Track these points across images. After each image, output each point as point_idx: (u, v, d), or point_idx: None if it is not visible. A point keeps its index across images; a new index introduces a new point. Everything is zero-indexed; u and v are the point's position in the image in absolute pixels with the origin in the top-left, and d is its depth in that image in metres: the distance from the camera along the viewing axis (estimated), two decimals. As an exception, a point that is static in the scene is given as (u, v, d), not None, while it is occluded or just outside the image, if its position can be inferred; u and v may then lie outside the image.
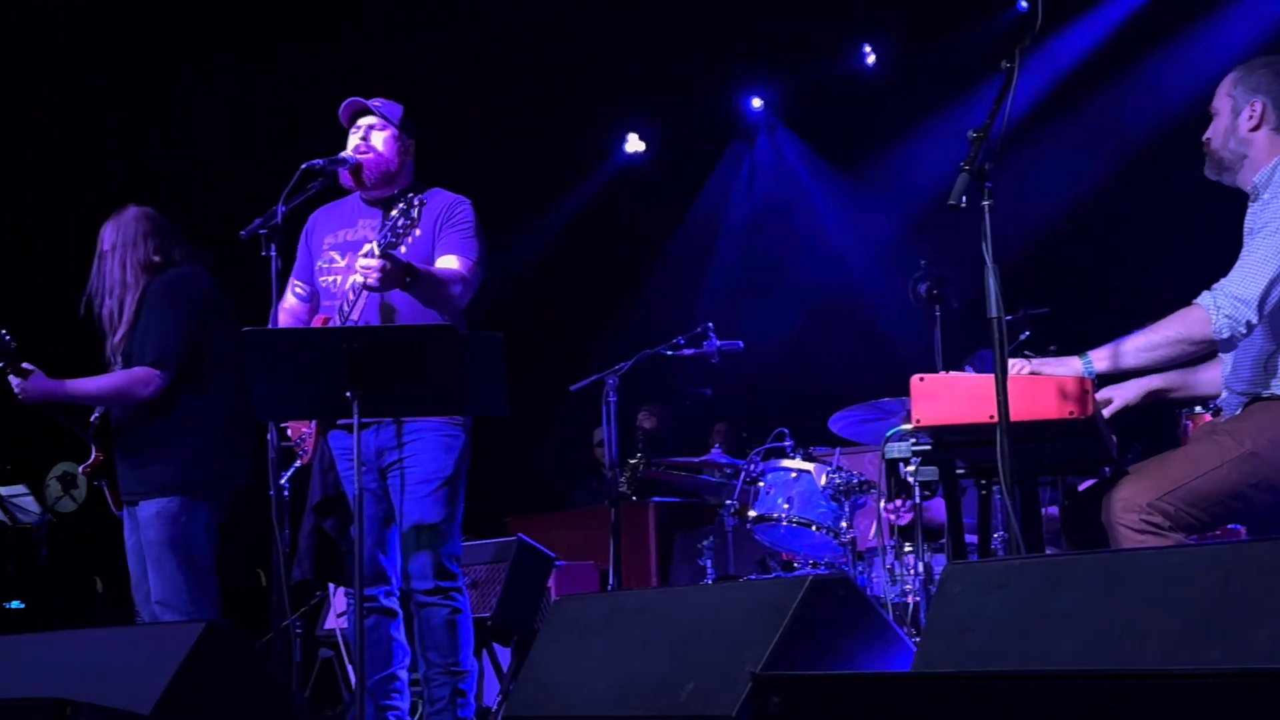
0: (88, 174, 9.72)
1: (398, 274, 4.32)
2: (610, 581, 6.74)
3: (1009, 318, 3.47)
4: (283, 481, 4.73)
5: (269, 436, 4.64)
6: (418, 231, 4.38)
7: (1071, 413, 3.63)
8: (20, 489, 8.41)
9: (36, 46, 9.43)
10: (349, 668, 6.45)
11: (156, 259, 5.03)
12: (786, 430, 6.65)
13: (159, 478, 4.92)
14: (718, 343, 6.72)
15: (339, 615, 6.98)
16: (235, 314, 5.15)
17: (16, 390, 4.86)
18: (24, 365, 4.81)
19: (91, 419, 5.15)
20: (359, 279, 4.34)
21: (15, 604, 8.98)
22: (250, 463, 5.17)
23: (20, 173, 9.99)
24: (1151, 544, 3.45)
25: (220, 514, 5.06)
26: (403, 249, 4.37)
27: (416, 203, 4.32)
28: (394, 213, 4.33)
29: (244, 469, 5.12)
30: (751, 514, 6.39)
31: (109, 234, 5.08)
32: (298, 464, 4.93)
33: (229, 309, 5.13)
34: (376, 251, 4.28)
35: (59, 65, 9.55)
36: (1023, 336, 5.76)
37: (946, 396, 3.70)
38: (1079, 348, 3.86)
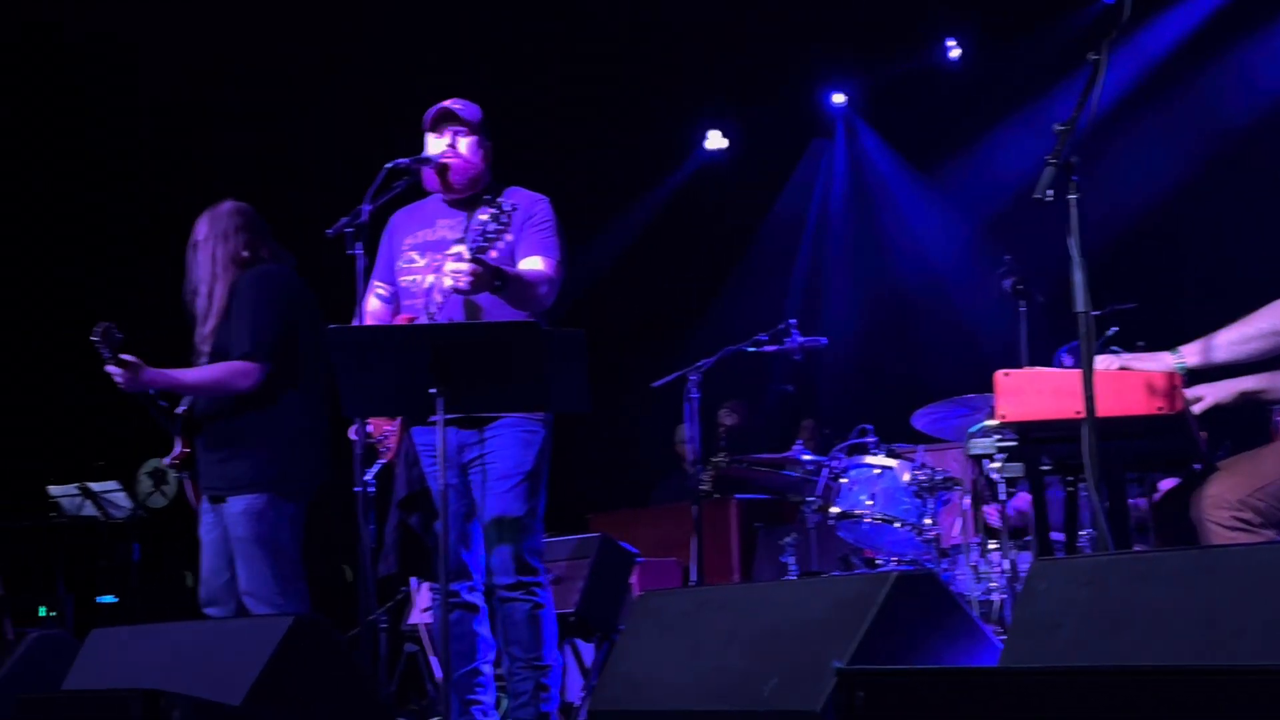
0: (181, 169, 9.89)
1: (487, 278, 4.34)
2: (692, 578, 6.74)
3: (1096, 313, 3.41)
4: (368, 478, 4.76)
5: (353, 433, 4.69)
6: (509, 236, 4.40)
7: (1160, 408, 3.58)
8: (113, 485, 8.56)
9: (137, 45, 9.59)
10: (434, 662, 6.50)
11: (245, 254, 5.07)
12: (870, 426, 6.62)
13: (247, 474, 4.95)
14: (800, 339, 6.70)
15: (424, 610, 7.03)
16: (320, 313, 5.17)
17: (119, 380, 4.89)
18: (125, 357, 4.88)
19: (178, 410, 5.19)
20: (449, 282, 4.36)
21: (108, 598, 9.14)
22: (329, 458, 5.23)
23: (116, 169, 10.19)
24: (1242, 541, 3.40)
25: (305, 508, 5.11)
26: (493, 253, 4.39)
27: (508, 208, 4.32)
28: (484, 216, 4.33)
29: (326, 465, 5.17)
30: (834, 510, 6.36)
31: (203, 226, 5.13)
32: (381, 461, 4.98)
33: (315, 308, 5.17)
34: (466, 255, 4.30)
35: (157, 63, 9.71)
36: (1110, 332, 5.69)
37: (1031, 392, 3.67)
38: (1167, 343, 3.81)
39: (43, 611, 8.87)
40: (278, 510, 4.95)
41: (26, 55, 9.72)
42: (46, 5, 9.36)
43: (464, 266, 4.28)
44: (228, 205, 5.16)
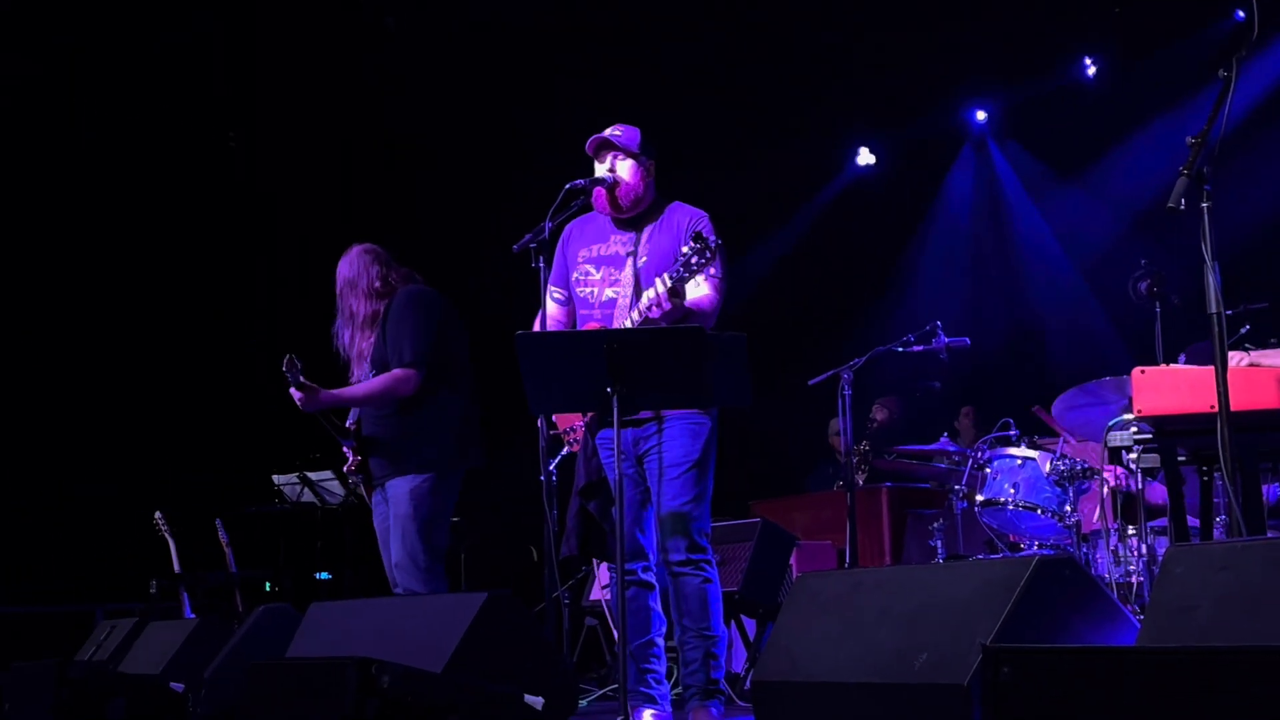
0: (390, 199, 10.14)
1: (677, 314, 4.38)
2: (847, 559, 6.70)
3: (1229, 312, 3.33)
4: (551, 468, 4.83)
5: (539, 426, 4.75)
6: (688, 251, 4.39)
7: (1291, 403, 3.48)
8: (327, 474, 8.75)
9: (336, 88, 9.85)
10: (614, 634, 6.56)
11: (378, 285, 5.32)
12: (1011, 420, 6.54)
13: (413, 458, 5.16)
14: (945, 339, 6.64)
15: (603, 587, 7.10)
16: (461, 318, 5.44)
17: (299, 402, 5.17)
18: (304, 381, 5.11)
19: (348, 423, 5.39)
20: (644, 303, 4.40)
21: (324, 575, 9.37)
22: (482, 448, 5.39)
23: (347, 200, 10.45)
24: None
25: (457, 492, 5.30)
26: (667, 281, 4.39)
27: (714, 244, 4.32)
28: (685, 249, 4.32)
29: (478, 454, 5.35)
30: (979, 498, 6.31)
31: (344, 269, 5.42)
32: (564, 452, 5.04)
33: (456, 314, 5.40)
34: (668, 282, 4.32)
35: (352, 97, 9.97)
36: (1243, 330, 5.51)
37: (1168, 388, 3.60)
38: (1299, 341, 3.70)
39: (268, 586, 9.14)
40: (435, 491, 5.17)
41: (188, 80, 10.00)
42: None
43: (657, 293, 4.33)
44: (356, 249, 5.44)
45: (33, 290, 9.85)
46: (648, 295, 4.41)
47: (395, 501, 5.18)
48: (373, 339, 5.30)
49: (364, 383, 5.24)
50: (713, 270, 4.58)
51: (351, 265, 5.38)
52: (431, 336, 5.20)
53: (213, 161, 10.41)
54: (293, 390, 5.15)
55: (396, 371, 5.17)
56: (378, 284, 5.33)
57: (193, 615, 8.05)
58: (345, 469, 5.41)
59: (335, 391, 5.22)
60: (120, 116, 9.67)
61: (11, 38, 8.88)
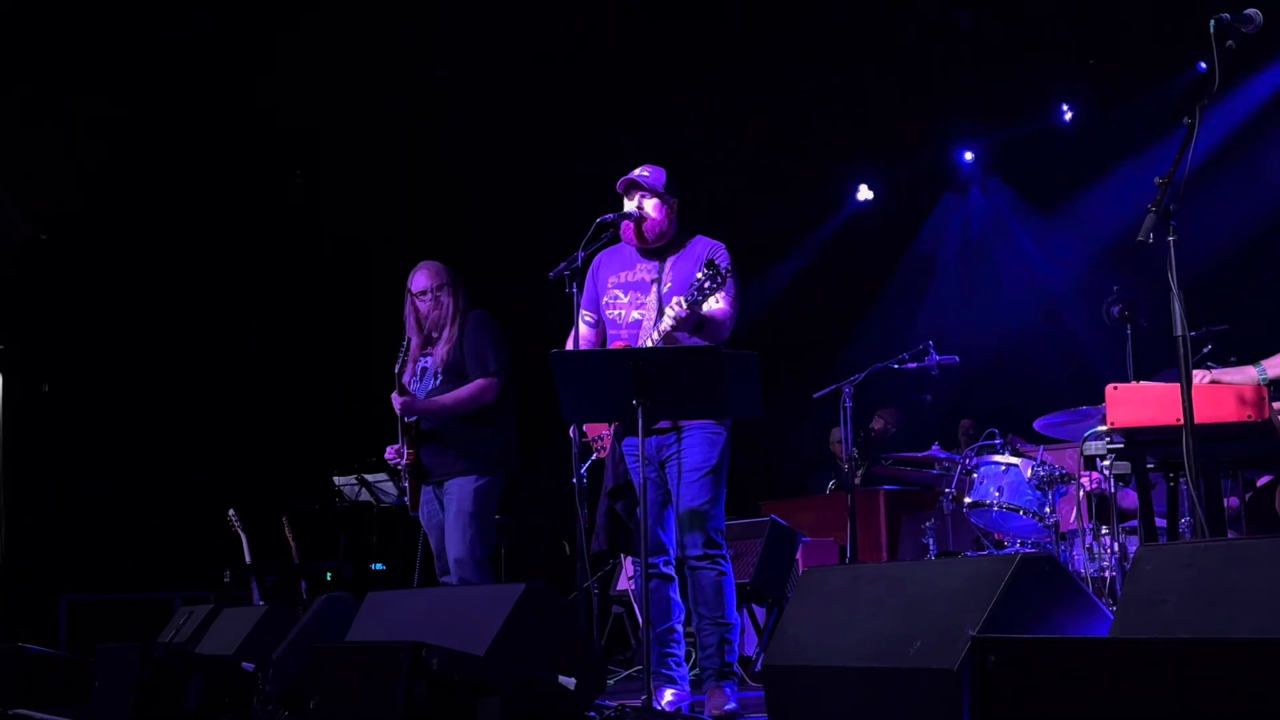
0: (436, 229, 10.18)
1: (693, 321, 4.42)
2: (848, 555, 6.68)
3: (1193, 334, 3.32)
4: (582, 472, 4.83)
5: (571, 435, 4.75)
6: (701, 277, 4.39)
7: (1249, 416, 3.47)
8: (382, 476, 8.76)
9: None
10: (639, 621, 6.56)
11: (458, 301, 5.33)
12: (996, 430, 6.51)
13: (478, 460, 5.18)
14: (937, 358, 6.63)
15: (628, 579, 7.09)
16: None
17: (399, 406, 5.17)
18: (404, 386, 5.20)
19: (408, 420, 5.32)
20: (668, 323, 4.43)
21: (377, 567, 9.38)
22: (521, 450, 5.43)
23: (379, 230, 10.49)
24: (1324, 530, 3.26)
25: (500, 491, 5.32)
26: (684, 303, 4.41)
27: (725, 270, 4.35)
28: (700, 275, 4.35)
29: (516, 459, 5.38)
30: (967, 500, 6.28)
31: (426, 279, 5.37)
32: (593, 458, 5.04)
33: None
34: (685, 303, 4.36)
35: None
36: (1205, 350, 5.49)
37: (1138, 402, 3.58)
38: (1255, 358, 3.68)
39: (328, 577, 9.16)
40: (491, 489, 5.20)
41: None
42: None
43: (674, 314, 4.39)
44: (437, 263, 5.40)
45: (135, 313, 9.95)
46: (667, 315, 4.44)
47: (459, 499, 5.16)
48: (442, 350, 5.26)
49: (455, 391, 5.20)
50: (728, 290, 4.60)
51: (431, 279, 5.34)
52: (506, 352, 5.24)
53: (280, 194, 10.48)
54: (394, 396, 5.15)
55: (481, 381, 5.18)
56: (458, 300, 5.32)
57: (261, 602, 8.07)
58: (401, 465, 5.34)
59: (429, 400, 5.20)
60: (202, 155, 9.76)
61: (109, 84, 8.96)
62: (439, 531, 5.27)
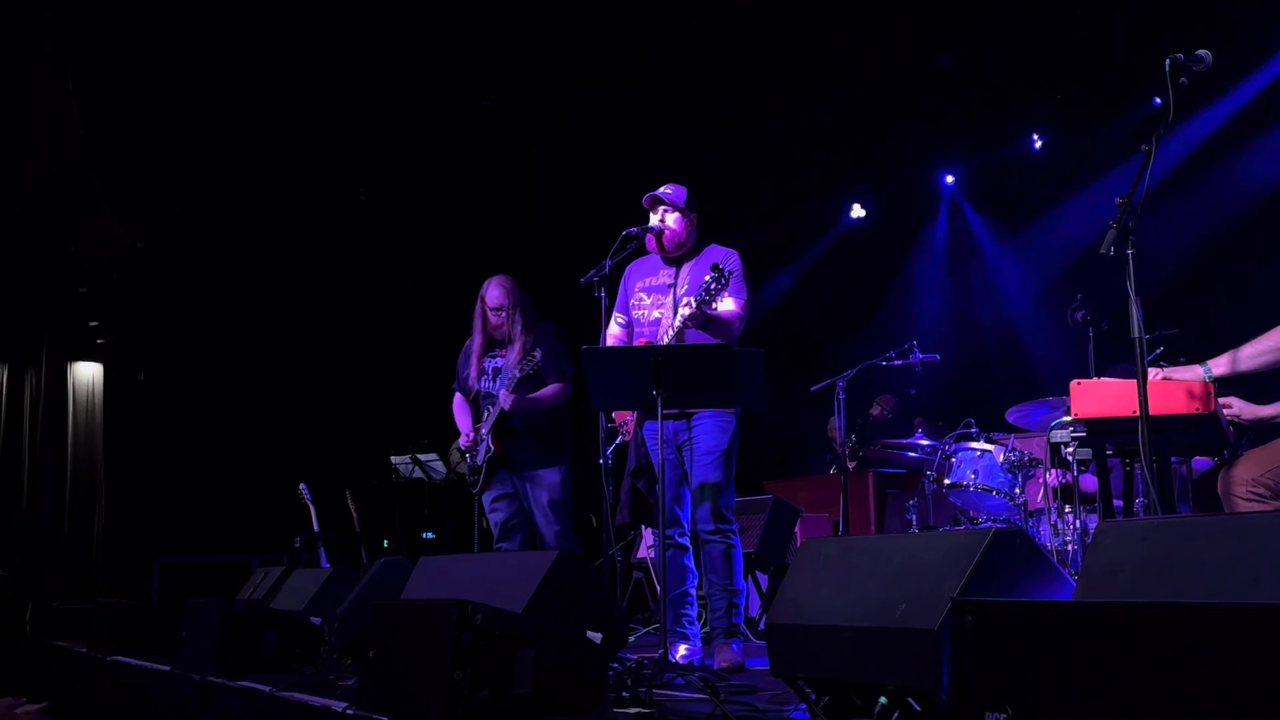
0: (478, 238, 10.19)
1: (700, 318, 4.40)
2: (840, 529, 6.66)
3: (1148, 336, 3.29)
4: (608, 453, 4.84)
5: (600, 421, 4.76)
6: (709, 280, 4.40)
7: (1197, 409, 3.44)
8: (433, 456, 8.80)
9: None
10: (656, 585, 6.56)
11: (529, 313, 5.36)
12: (973, 420, 6.49)
13: (558, 453, 5.26)
14: (920, 355, 6.61)
15: (648, 548, 7.09)
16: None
17: (506, 404, 5.19)
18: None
19: (493, 417, 5.38)
20: (679, 321, 4.42)
21: (428, 535, 9.42)
22: None
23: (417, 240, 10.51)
24: (1257, 509, 3.24)
25: None
26: (693, 303, 4.41)
27: (728, 272, 4.35)
28: (707, 277, 4.35)
29: None
30: (946, 482, 6.26)
31: (501, 292, 5.36)
32: (618, 440, 5.05)
33: None
34: (694, 303, 4.36)
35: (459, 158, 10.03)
36: (1157, 351, 5.45)
37: (1099, 396, 3.56)
38: (1202, 358, 3.65)
39: (385, 544, 9.21)
40: (568, 476, 5.29)
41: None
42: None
43: (686, 313, 4.39)
44: (510, 280, 5.39)
45: (220, 311, 10.01)
46: (680, 314, 4.44)
47: (547, 488, 5.24)
48: (514, 357, 5.28)
49: (542, 392, 5.26)
50: (738, 292, 4.60)
51: (509, 293, 5.35)
52: (572, 358, 5.28)
53: (347, 210, 10.53)
54: (503, 393, 5.19)
55: (559, 385, 5.27)
56: (526, 314, 5.35)
57: (328, 565, 8.12)
58: (480, 454, 5.37)
59: (531, 398, 5.25)
60: (278, 169, 9.82)
61: (198, 108, 9.02)
62: (508, 509, 5.31)
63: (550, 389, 5.23)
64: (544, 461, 5.27)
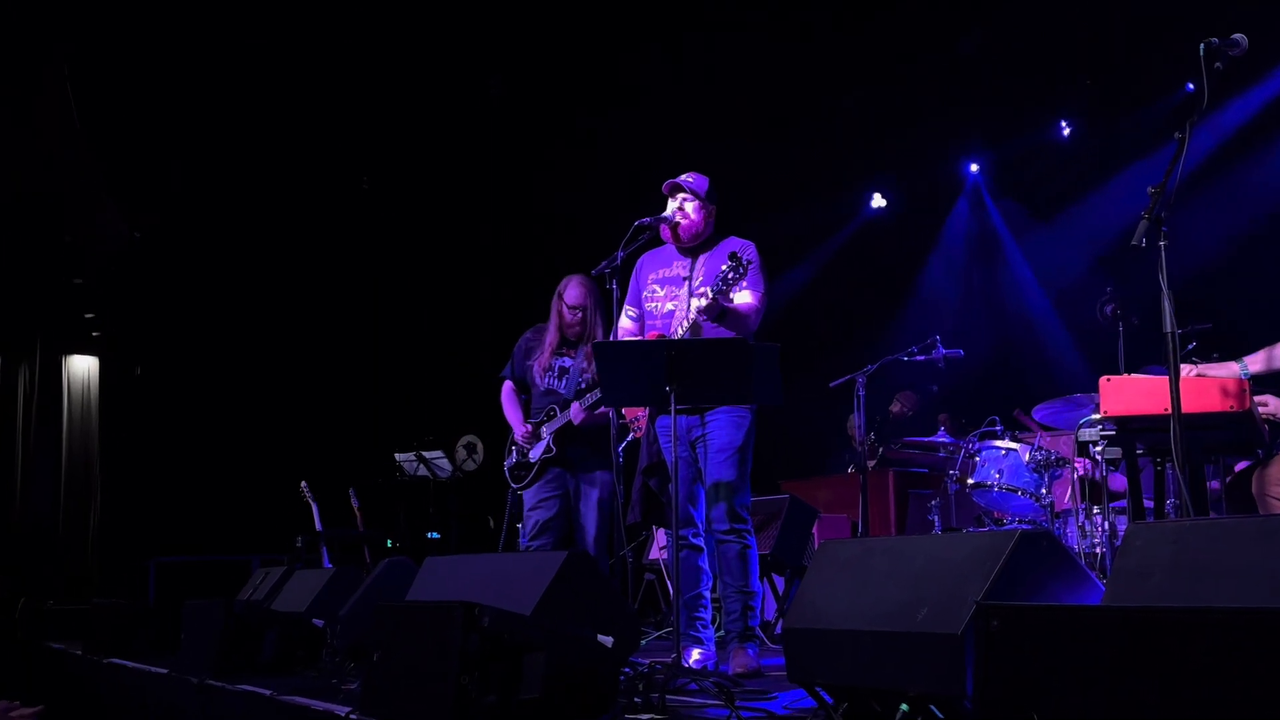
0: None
1: (718, 310, 4.39)
2: (860, 530, 6.66)
3: (1180, 332, 3.28)
4: (619, 450, 4.84)
5: (610, 416, 4.76)
6: (726, 269, 4.39)
7: (1231, 406, 3.43)
8: (438, 453, 8.82)
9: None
10: (669, 586, 6.57)
11: (603, 318, 5.37)
12: (997, 418, 6.47)
13: (609, 456, 5.24)
14: (943, 350, 6.59)
15: (660, 549, 7.09)
16: None
17: (577, 419, 5.27)
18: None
19: (558, 423, 5.43)
20: (693, 313, 4.41)
21: (433, 535, 9.44)
22: None
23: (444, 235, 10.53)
24: (1296, 511, 3.23)
25: None
26: (709, 294, 4.40)
27: (745, 261, 4.33)
28: (724, 267, 4.34)
29: None
30: (970, 481, 6.24)
31: (581, 293, 5.38)
32: (629, 437, 5.05)
33: None
34: (710, 294, 4.34)
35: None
36: (1190, 346, 5.43)
37: (1129, 393, 3.55)
38: (1237, 355, 3.64)
39: (389, 543, 9.24)
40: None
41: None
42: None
43: (701, 304, 4.37)
44: (590, 281, 5.37)
45: (219, 304, 10.05)
46: (695, 305, 4.43)
47: (600, 485, 5.30)
48: (584, 362, 5.34)
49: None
50: (755, 285, 4.58)
51: (584, 296, 5.37)
52: None
53: (350, 200, 10.55)
54: (575, 406, 5.26)
55: None
56: (603, 319, 5.36)
57: (330, 565, 8.14)
58: (537, 456, 5.42)
59: (599, 411, 5.27)
60: (278, 162, 9.84)
61: (195, 101, 9.05)
62: (552, 509, 5.36)
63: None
64: (600, 463, 5.36)
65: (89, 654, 5.96)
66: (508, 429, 5.60)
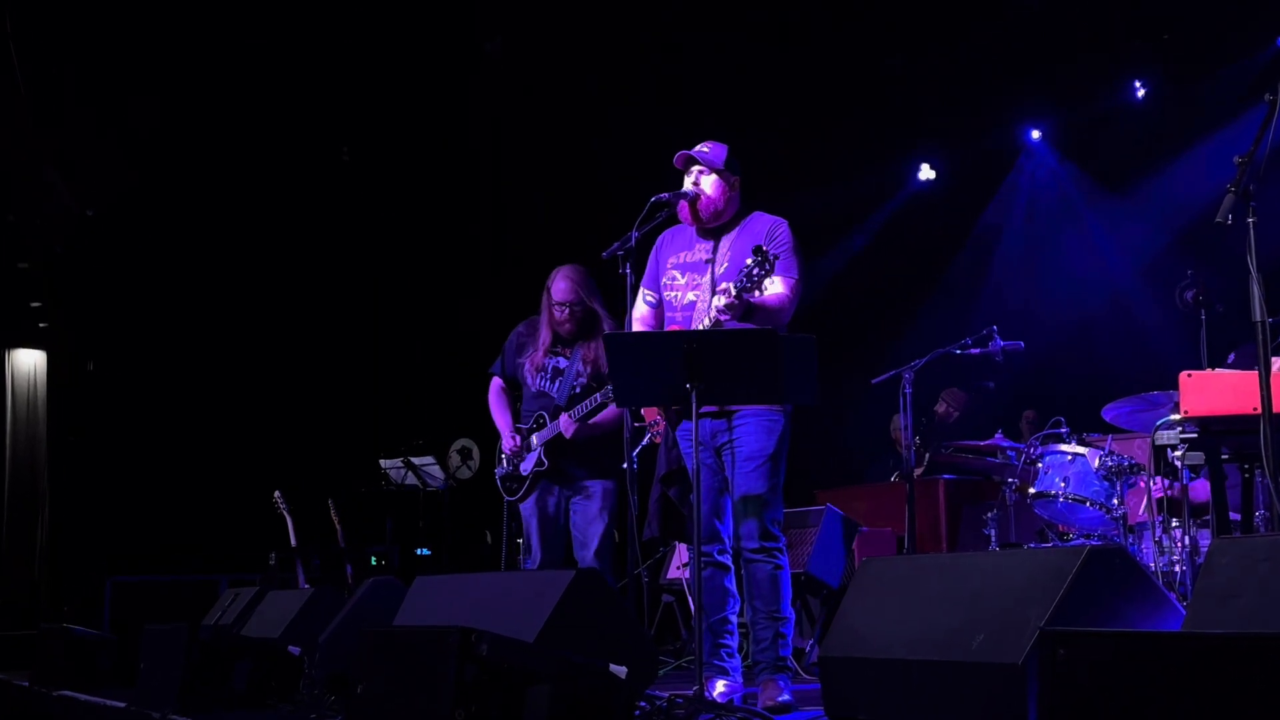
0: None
1: (740, 309, 4.37)
2: (906, 545, 6.64)
3: (1272, 320, 3.27)
4: (633, 456, 4.84)
5: (624, 418, 4.76)
6: (750, 264, 4.37)
7: (1331, 406, 3.40)
8: (429, 460, 8.84)
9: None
10: (691, 609, 6.57)
11: (598, 314, 5.37)
12: (1063, 419, 6.45)
13: (610, 468, 5.34)
14: (1001, 343, 6.57)
15: (680, 567, 7.10)
16: None
17: (568, 432, 5.28)
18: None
19: (550, 434, 5.46)
20: (713, 313, 4.39)
21: (424, 551, 9.47)
22: None
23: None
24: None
25: None
26: (757, 294, 4.39)
27: (773, 255, 4.30)
28: (749, 261, 4.30)
29: None
30: (1031, 490, 6.24)
31: (569, 289, 5.36)
32: (645, 442, 5.04)
33: None
34: (733, 292, 4.31)
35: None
36: (1282, 337, 5.41)
37: (1213, 390, 3.54)
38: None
39: (374, 560, 9.26)
40: (616, 489, 5.40)
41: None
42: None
43: (722, 302, 4.32)
44: (580, 273, 5.39)
45: (183, 293, 10.09)
46: (715, 301, 4.40)
47: (596, 497, 5.36)
48: (580, 365, 5.37)
49: (604, 415, 5.28)
50: (788, 271, 4.56)
51: (572, 291, 5.36)
52: None
53: (328, 174, 10.57)
54: (564, 418, 5.28)
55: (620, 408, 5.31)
56: (598, 315, 5.38)
57: (307, 585, 8.17)
58: (530, 469, 5.45)
59: (595, 423, 5.31)
60: (247, 134, 9.87)
61: (157, 65, 9.07)
62: (555, 523, 5.42)
63: (612, 412, 5.27)
64: (596, 474, 5.39)
65: (37, 685, 6.00)
66: (499, 433, 5.62)
